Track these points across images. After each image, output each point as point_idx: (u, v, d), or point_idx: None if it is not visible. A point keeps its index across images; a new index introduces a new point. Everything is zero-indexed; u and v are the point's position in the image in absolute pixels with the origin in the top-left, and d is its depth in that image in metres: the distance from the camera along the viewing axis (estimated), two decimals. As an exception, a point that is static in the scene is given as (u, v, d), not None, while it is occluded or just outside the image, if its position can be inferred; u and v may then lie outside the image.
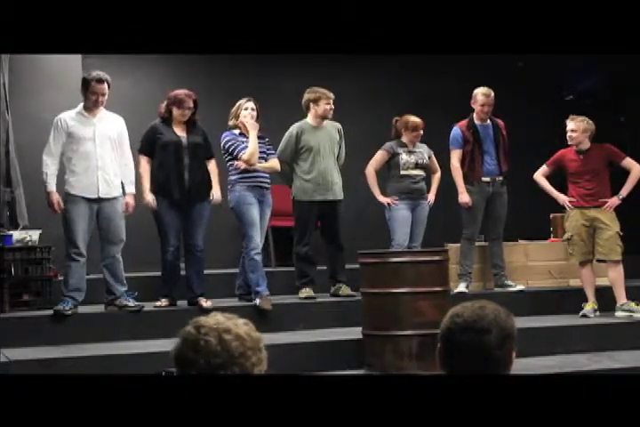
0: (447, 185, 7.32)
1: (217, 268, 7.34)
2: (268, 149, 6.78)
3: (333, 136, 7.07)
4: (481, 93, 7.16)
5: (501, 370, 2.23)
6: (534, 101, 9.06)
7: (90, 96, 6.11)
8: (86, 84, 6.11)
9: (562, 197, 7.00)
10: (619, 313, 6.69)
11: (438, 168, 7.43)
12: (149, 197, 6.26)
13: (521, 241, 7.81)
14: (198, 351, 2.05)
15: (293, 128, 7.00)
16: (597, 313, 6.76)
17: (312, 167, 6.93)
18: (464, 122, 7.23)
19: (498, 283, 7.29)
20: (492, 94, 7.18)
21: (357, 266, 5.86)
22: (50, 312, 5.98)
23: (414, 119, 7.19)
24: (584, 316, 6.72)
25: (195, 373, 2.05)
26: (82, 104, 6.19)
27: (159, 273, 6.47)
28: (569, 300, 7.03)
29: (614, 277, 6.76)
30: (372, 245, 6.49)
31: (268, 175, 6.70)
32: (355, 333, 5.80)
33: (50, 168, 6.07)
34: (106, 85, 6.12)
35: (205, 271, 6.53)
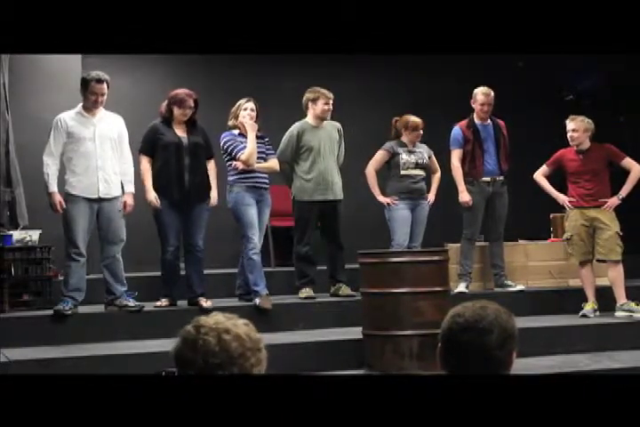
0: (447, 185, 7.32)
1: (217, 268, 7.34)
2: (267, 149, 6.78)
3: (333, 136, 7.08)
4: (481, 93, 7.17)
5: (502, 370, 2.23)
6: (534, 101, 9.06)
7: (89, 96, 6.11)
8: (85, 84, 6.11)
9: (561, 197, 7.00)
10: (619, 313, 6.69)
11: (438, 168, 7.43)
12: (152, 196, 6.26)
13: (521, 241, 7.81)
14: (197, 351, 2.05)
15: (294, 128, 7.00)
16: (597, 313, 6.76)
17: (312, 167, 6.94)
18: (464, 121, 7.23)
19: (498, 283, 7.29)
20: (492, 94, 7.18)
21: (357, 266, 5.86)
22: (50, 312, 5.98)
23: (414, 119, 7.19)
24: (584, 316, 6.72)
25: (194, 372, 2.05)
26: (81, 104, 6.19)
27: (159, 273, 6.47)
28: (569, 300, 7.03)
29: (614, 277, 6.76)
30: (372, 245, 6.48)
31: (266, 176, 6.70)
32: (355, 333, 5.80)
33: (51, 168, 6.07)
34: (105, 85, 6.11)
35: (205, 271, 6.53)
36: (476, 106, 7.20)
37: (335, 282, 6.94)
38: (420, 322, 5.34)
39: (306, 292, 6.77)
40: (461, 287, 7.05)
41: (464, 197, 7.12)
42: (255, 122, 6.64)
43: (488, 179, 7.19)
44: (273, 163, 6.77)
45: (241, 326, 2.12)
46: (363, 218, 8.38)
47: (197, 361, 2.04)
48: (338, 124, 7.14)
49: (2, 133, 6.86)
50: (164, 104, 6.40)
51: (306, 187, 6.93)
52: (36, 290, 6.40)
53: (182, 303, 6.40)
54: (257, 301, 6.32)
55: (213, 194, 6.49)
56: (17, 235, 6.57)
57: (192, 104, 6.36)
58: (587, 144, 6.89)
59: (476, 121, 7.23)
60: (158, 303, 6.35)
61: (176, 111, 6.34)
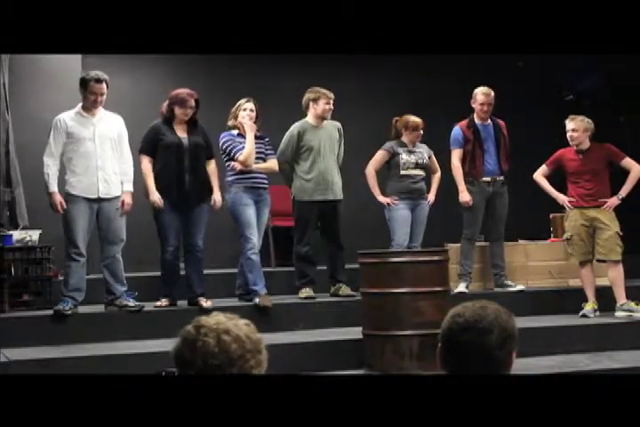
0: (447, 185, 7.32)
1: (217, 268, 7.34)
2: (267, 150, 6.79)
3: (333, 136, 7.08)
4: (481, 93, 7.17)
5: (502, 370, 2.23)
6: (534, 101, 9.06)
7: (88, 96, 6.11)
8: (85, 83, 6.10)
9: (561, 197, 7.00)
10: (619, 313, 6.69)
11: (438, 168, 7.43)
12: (156, 197, 6.25)
13: (521, 241, 7.81)
14: (196, 352, 2.05)
15: (294, 128, 7.00)
16: (597, 313, 6.76)
17: (312, 167, 6.94)
18: (465, 121, 7.23)
19: (498, 283, 7.29)
20: (492, 94, 7.18)
21: (357, 266, 5.86)
22: (50, 312, 5.98)
23: (414, 119, 7.19)
24: (584, 316, 6.72)
25: (194, 373, 2.05)
26: (80, 104, 6.19)
27: (159, 273, 6.47)
28: (569, 300, 7.03)
29: (614, 276, 6.76)
30: (372, 245, 6.49)
31: (265, 176, 6.71)
32: (355, 333, 5.80)
33: (51, 169, 6.07)
34: (104, 85, 6.11)
35: (205, 271, 6.53)
36: (476, 106, 7.20)
37: (335, 282, 6.94)
38: (420, 322, 5.33)
39: (306, 292, 6.77)
40: (461, 287, 7.05)
41: (464, 197, 7.12)
42: (255, 122, 6.64)
43: (488, 179, 7.19)
44: (272, 163, 6.78)
45: (242, 326, 2.11)
46: (363, 218, 8.38)
47: (197, 362, 2.04)
48: (338, 124, 7.14)
49: (2, 133, 6.86)
50: (165, 104, 6.40)
51: (306, 187, 6.93)
52: (36, 290, 6.40)
53: (182, 303, 6.40)
54: (256, 300, 6.32)
55: (217, 197, 6.46)
56: (17, 235, 6.57)
57: (193, 104, 6.36)
58: (586, 144, 6.89)
59: (477, 121, 7.23)
60: (158, 303, 6.35)
61: (177, 111, 6.34)
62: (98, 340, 5.83)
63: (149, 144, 6.35)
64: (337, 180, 7.01)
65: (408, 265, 5.54)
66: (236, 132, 6.68)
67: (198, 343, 2.04)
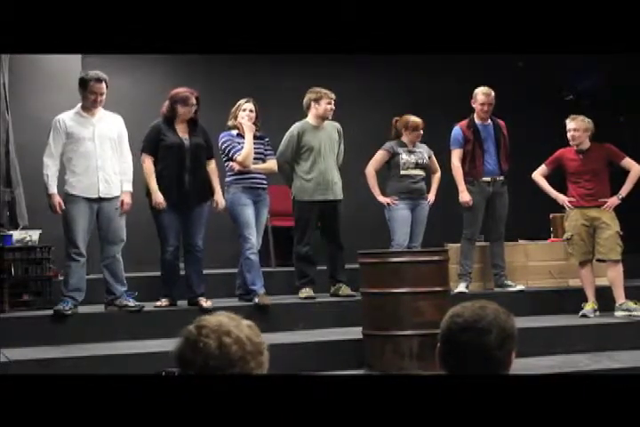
0: (447, 185, 7.32)
1: (216, 268, 7.34)
2: (266, 150, 6.79)
3: (333, 136, 7.08)
4: (481, 93, 7.17)
5: (501, 370, 2.23)
6: (534, 101, 9.06)
7: (89, 96, 6.10)
8: (85, 83, 6.10)
9: (561, 197, 7.00)
10: (618, 313, 6.69)
11: (438, 168, 7.43)
12: (160, 199, 6.25)
13: (521, 241, 7.81)
14: (197, 352, 2.04)
15: (294, 128, 7.00)
16: (597, 313, 6.76)
17: (313, 167, 6.94)
18: (465, 121, 7.23)
19: (498, 283, 7.29)
20: (493, 94, 7.18)
21: (357, 266, 5.86)
22: (50, 312, 5.98)
23: (414, 119, 7.19)
24: (584, 316, 6.72)
25: (194, 373, 2.05)
26: (80, 104, 6.19)
27: (159, 273, 6.47)
28: (569, 300, 7.03)
29: (613, 276, 6.76)
30: (372, 245, 6.49)
31: (264, 176, 6.72)
32: (355, 333, 5.80)
33: (50, 170, 6.07)
34: (104, 85, 6.11)
35: (205, 271, 6.53)
36: (476, 106, 7.20)
37: (335, 282, 6.94)
38: (420, 322, 5.34)
39: (306, 292, 6.77)
40: (461, 287, 7.05)
41: (464, 196, 7.12)
42: (255, 122, 6.64)
43: (488, 179, 7.19)
44: (271, 164, 6.78)
45: (244, 328, 2.09)
46: (363, 218, 8.38)
47: (197, 362, 2.04)
48: (337, 125, 7.14)
49: (2, 133, 6.86)
50: (166, 104, 6.38)
51: (306, 187, 6.93)
52: (36, 290, 6.40)
53: (182, 303, 6.40)
54: (256, 300, 6.33)
55: (219, 198, 6.46)
56: (17, 235, 6.57)
57: (195, 101, 6.36)
58: (587, 144, 6.90)
59: (477, 121, 7.23)
60: (158, 303, 6.35)
61: (181, 109, 6.33)
62: (98, 340, 5.83)
63: (151, 144, 6.35)
64: (337, 180, 7.02)
65: (408, 265, 5.54)
66: (235, 132, 6.68)
67: (199, 344, 2.04)
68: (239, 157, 6.55)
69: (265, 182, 6.72)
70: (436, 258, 5.65)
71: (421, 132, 7.20)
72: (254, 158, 6.64)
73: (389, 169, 7.24)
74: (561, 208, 7.21)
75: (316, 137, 6.97)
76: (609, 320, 6.62)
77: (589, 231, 6.85)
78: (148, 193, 6.33)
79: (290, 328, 6.30)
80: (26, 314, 6.14)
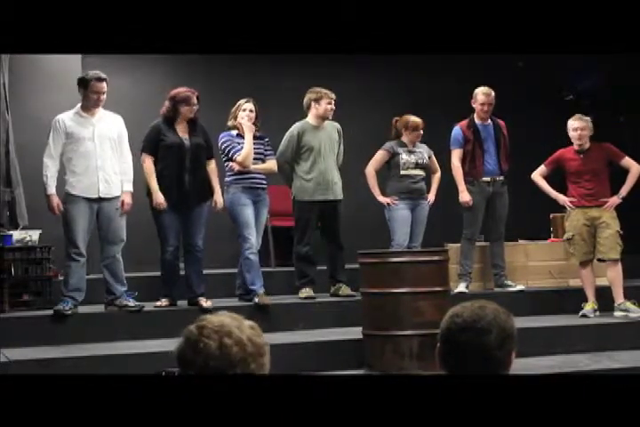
0: (447, 185, 7.32)
1: (216, 268, 7.34)
2: (266, 150, 6.79)
3: (333, 136, 7.08)
4: (481, 93, 7.17)
5: (501, 370, 2.23)
6: (534, 101, 9.06)
7: (90, 95, 6.10)
8: (86, 83, 6.10)
9: (561, 198, 7.00)
10: (617, 313, 6.69)
11: (438, 168, 7.43)
12: (161, 199, 6.25)
13: (521, 241, 7.81)
14: (198, 353, 2.03)
15: (294, 128, 7.00)
16: (597, 313, 6.76)
17: (313, 167, 6.94)
18: (465, 121, 7.23)
19: (498, 283, 7.29)
20: (493, 94, 7.18)
21: (357, 266, 5.86)
22: (50, 312, 5.98)
23: (414, 119, 7.19)
24: (584, 316, 6.72)
25: (194, 373, 2.04)
26: (79, 104, 6.19)
27: (159, 273, 6.47)
28: (569, 300, 7.03)
29: (613, 276, 6.76)
30: (372, 245, 6.49)
31: (263, 176, 6.73)
32: (355, 333, 5.80)
33: (50, 170, 6.07)
34: (105, 84, 6.11)
35: (205, 271, 6.54)
36: (476, 106, 7.20)
37: (335, 282, 6.94)
38: (420, 322, 5.34)
39: (306, 292, 6.77)
40: (461, 287, 7.05)
41: (464, 196, 7.12)
42: (255, 122, 6.65)
43: (488, 179, 7.19)
44: (271, 164, 6.79)
45: (246, 329, 2.08)
46: (363, 218, 8.38)
47: (198, 362, 2.03)
48: (337, 125, 7.15)
49: (2, 133, 6.86)
50: (168, 104, 6.37)
51: (306, 187, 6.93)
52: (36, 290, 6.40)
53: (182, 303, 6.40)
54: (255, 299, 6.33)
55: (218, 198, 6.47)
56: (17, 235, 6.57)
57: (196, 100, 6.36)
58: (587, 144, 6.90)
59: (477, 121, 7.23)
60: (158, 303, 6.36)
61: (183, 109, 6.32)
62: (98, 340, 5.83)
63: (152, 143, 6.35)
64: (337, 180, 7.02)
65: (408, 265, 5.54)
66: (235, 132, 6.68)
67: (200, 344, 2.03)
68: (239, 158, 6.56)
69: (265, 182, 6.73)
70: (435, 258, 5.65)
71: (421, 132, 7.20)
72: (254, 158, 6.65)
73: (389, 169, 7.23)
74: (561, 208, 7.21)
75: (316, 137, 6.97)
76: (609, 320, 6.62)
77: (590, 231, 6.85)
78: (149, 193, 6.33)
79: (290, 328, 6.30)
80: (26, 314, 6.14)
